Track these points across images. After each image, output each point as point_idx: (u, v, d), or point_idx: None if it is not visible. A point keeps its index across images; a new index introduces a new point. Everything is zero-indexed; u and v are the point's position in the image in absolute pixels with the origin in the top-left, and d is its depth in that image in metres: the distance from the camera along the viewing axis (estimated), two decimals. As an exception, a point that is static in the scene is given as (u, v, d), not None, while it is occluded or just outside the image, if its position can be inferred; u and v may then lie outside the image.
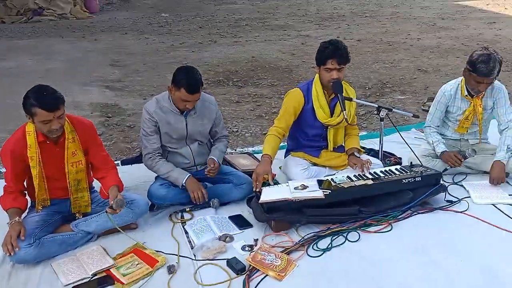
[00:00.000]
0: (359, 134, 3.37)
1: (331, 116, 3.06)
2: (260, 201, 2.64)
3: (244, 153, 3.80)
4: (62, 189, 2.57)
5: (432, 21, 10.82)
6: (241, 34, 10.01)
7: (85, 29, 10.76)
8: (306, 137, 3.16)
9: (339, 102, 2.97)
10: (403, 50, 8.21)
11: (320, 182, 2.78)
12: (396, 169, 2.98)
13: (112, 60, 8.11)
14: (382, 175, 2.89)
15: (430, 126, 3.36)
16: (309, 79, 3.11)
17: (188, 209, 2.92)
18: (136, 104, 5.59)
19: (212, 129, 3.09)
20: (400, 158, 3.55)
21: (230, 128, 4.66)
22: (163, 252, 2.51)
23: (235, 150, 4.09)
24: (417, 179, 2.84)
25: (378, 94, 5.71)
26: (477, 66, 2.98)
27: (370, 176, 2.86)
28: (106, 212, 2.51)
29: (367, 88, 6.00)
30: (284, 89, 6.01)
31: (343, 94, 2.98)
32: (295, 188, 2.72)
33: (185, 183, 2.88)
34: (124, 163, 3.65)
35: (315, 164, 3.16)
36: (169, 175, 2.90)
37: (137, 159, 3.57)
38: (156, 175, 3.04)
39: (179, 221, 2.82)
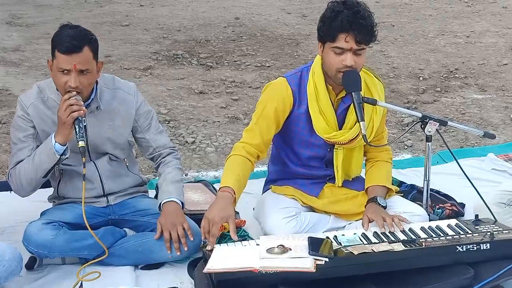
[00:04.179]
0: (393, 159, 3.32)
1: (340, 128, 3.05)
2: (206, 270, 2.58)
3: (199, 181, 3.82)
4: None
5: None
6: (222, -23, 9.99)
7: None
8: (298, 160, 3.16)
9: (354, 106, 2.94)
10: (489, 15, 8.18)
11: (314, 242, 2.69)
12: (449, 226, 2.91)
13: (11, 15, 8.09)
14: (423, 235, 2.82)
15: None
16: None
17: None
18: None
19: (137, 137, 3.15)
20: (463, 206, 3.48)
21: (183, 137, 4.65)
22: None
23: (186, 175, 4.09)
24: (484, 246, 2.73)
25: (438, 89, 5.66)
26: None
27: (401, 237, 2.79)
28: None
29: (421, 78, 5.95)
30: (283, 73, 5.91)
31: (361, 92, 2.93)
32: (269, 251, 2.64)
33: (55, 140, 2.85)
34: (-1, 187, 3.69)
35: (311, 209, 3.14)
36: (36, 155, 2.90)
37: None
38: (42, 211, 3.11)
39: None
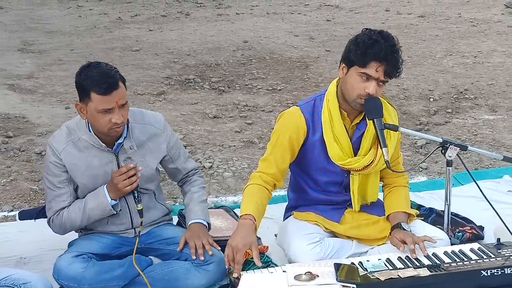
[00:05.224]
0: (409, 182, 3.33)
1: (355, 155, 3.06)
2: None
3: (219, 207, 3.83)
4: None
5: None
6: (229, 1, 10.06)
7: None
8: (316, 186, 3.19)
9: (376, 133, 2.97)
10: (495, 35, 8.22)
11: (339, 268, 2.71)
12: (472, 250, 2.91)
13: (23, 42, 8.16)
14: (446, 260, 2.83)
15: None
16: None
17: None
18: (53, 117, 5.61)
19: (169, 167, 3.16)
20: (482, 229, 3.48)
21: (200, 162, 4.69)
22: None
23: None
24: (508, 270, 2.73)
25: (449, 110, 5.69)
26: None
27: (425, 262, 2.80)
28: None
29: (431, 99, 5.98)
30: (295, 97, 5.99)
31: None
32: (296, 277, 2.65)
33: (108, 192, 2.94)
34: (23, 216, 3.67)
35: (333, 234, 3.16)
36: (88, 209, 2.96)
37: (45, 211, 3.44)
38: (70, 241, 3.12)
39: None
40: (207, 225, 3.06)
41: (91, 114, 2.82)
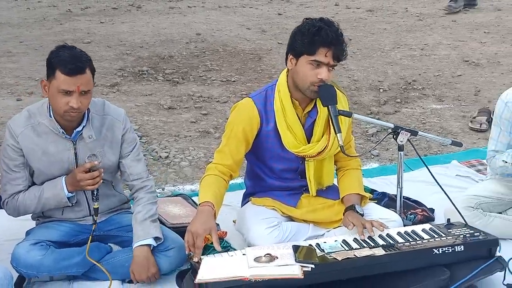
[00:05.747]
0: (362, 169, 3.39)
1: (308, 142, 3.11)
2: (197, 281, 2.59)
3: (177, 195, 3.83)
4: None
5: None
6: (181, -6, 10.03)
7: None
8: (272, 174, 3.22)
9: (331, 119, 3.02)
10: (440, 29, 8.40)
11: (298, 250, 2.75)
12: (423, 230, 2.98)
13: (-32, 34, 7.93)
14: (400, 240, 2.88)
15: (495, 157, 3.36)
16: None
17: None
18: (4, 109, 5.50)
19: (120, 167, 3.10)
20: (432, 211, 3.58)
21: (156, 152, 4.64)
22: None
23: (162, 189, 4.09)
24: (458, 248, 2.82)
25: (399, 100, 5.79)
26: None
27: (380, 242, 2.85)
28: None
29: (381, 90, 6.08)
30: (249, 88, 6.02)
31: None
32: (256, 260, 2.67)
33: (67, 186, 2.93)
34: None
35: (291, 219, 3.18)
36: (44, 198, 2.94)
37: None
38: (27, 230, 3.10)
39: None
40: (149, 244, 2.94)
41: (52, 92, 2.80)
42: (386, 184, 3.93)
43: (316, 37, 2.89)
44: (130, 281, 2.99)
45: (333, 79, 3.08)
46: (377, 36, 8.01)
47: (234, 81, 6.32)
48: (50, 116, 2.90)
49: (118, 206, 3.20)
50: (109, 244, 3.13)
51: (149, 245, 2.95)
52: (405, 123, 5.12)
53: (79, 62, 2.76)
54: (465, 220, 3.07)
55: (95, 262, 2.92)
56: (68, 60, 2.75)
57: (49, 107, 2.90)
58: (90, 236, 2.97)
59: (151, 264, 2.93)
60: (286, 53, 3.04)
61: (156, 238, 2.97)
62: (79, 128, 2.92)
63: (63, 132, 2.90)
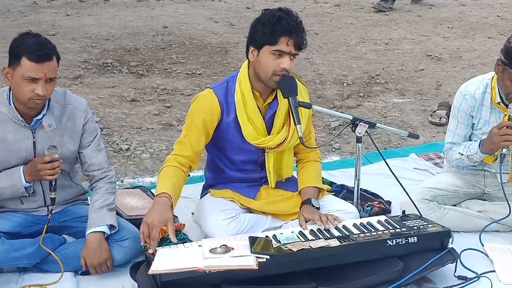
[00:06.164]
0: (323, 162, 3.49)
1: (268, 134, 3.12)
2: (150, 272, 2.57)
3: (135, 187, 3.82)
4: None
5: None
6: (148, -12, 9.96)
7: None
8: (232, 165, 3.23)
9: (291, 110, 3.02)
10: (405, 23, 8.47)
11: (254, 241, 2.74)
12: (379, 221, 3.00)
13: None
14: (355, 231, 2.90)
15: (452, 149, 3.40)
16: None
17: None
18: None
19: (80, 157, 3.08)
20: (389, 203, 3.61)
21: (116, 144, 4.60)
22: None
23: (121, 181, 4.07)
24: (412, 239, 2.84)
25: (362, 94, 5.84)
26: None
27: (335, 233, 2.87)
28: None
29: (345, 84, 6.13)
30: (214, 81, 5.98)
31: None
32: (212, 251, 2.67)
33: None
34: None
35: (249, 210, 3.20)
36: (1, 189, 2.90)
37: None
38: None
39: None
40: (102, 232, 2.92)
41: (16, 80, 2.75)
42: (345, 177, 3.95)
43: (277, 26, 2.89)
44: (83, 273, 2.95)
45: (295, 71, 3.08)
46: (343, 31, 8.06)
47: (199, 74, 6.30)
48: (10, 104, 2.85)
49: (74, 198, 3.15)
50: (63, 235, 3.08)
51: (103, 232, 2.91)
52: (367, 116, 5.16)
53: (46, 49, 2.72)
54: (420, 212, 3.10)
55: (49, 251, 2.87)
56: (35, 47, 2.70)
57: (9, 95, 2.86)
58: (45, 226, 2.92)
59: (103, 250, 2.89)
60: (246, 45, 3.03)
61: (111, 227, 2.94)
62: (39, 117, 2.88)
63: (22, 120, 2.86)
